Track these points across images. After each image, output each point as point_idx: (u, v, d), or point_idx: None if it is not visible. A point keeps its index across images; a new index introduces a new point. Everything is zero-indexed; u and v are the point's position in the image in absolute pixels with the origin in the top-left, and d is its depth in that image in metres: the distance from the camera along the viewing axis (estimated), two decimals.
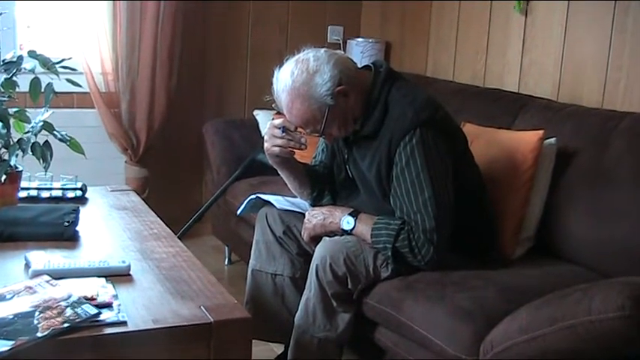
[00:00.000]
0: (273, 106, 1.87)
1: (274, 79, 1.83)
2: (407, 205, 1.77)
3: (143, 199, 2.30)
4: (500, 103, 2.47)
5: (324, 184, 2.07)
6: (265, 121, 3.00)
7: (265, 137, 1.91)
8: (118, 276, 1.57)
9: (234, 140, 3.08)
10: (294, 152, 1.92)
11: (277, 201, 2.09)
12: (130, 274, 1.60)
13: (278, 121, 1.87)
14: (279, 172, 2.05)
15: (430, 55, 3.21)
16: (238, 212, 2.19)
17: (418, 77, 2.98)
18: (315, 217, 1.93)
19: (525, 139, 2.09)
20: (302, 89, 1.77)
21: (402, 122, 1.77)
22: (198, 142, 3.29)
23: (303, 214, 1.99)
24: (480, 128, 2.26)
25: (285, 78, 1.80)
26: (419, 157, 1.75)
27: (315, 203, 2.07)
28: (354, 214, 1.87)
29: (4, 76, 1.96)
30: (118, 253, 1.73)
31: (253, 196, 2.14)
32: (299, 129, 1.86)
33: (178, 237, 1.99)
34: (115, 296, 1.46)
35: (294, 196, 2.14)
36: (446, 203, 1.77)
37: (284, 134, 1.86)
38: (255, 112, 3.19)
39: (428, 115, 1.78)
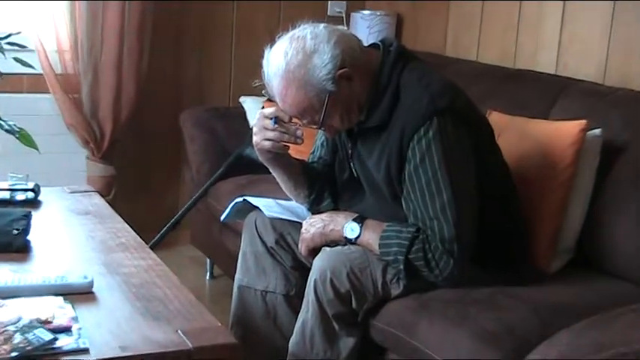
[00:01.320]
0: (263, 92, 1.88)
1: (264, 61, 1.84)
2: (422, 210, 1.78)
3: (108, 202, 2.31)
4: (534, 87, 2.48)
5: (323, 185, 2.08)
6: (254, 109, 3.02)
7: (254, 129, 1.92)
8: (79, 294, 1.58)
9: (217, 132, 3.09)
10: (288, 147, 1.93)
11: (268, 206, 2.10)
12: (92, 292, 1.60)
13: (269, 111, 1.88)
14: (271, 171, 2.05)
15: (450, 31, 3.22)
16: (222, 218, 2.20)
17: (435, 57, 2.99)
18: (314, 225, 1.94)
19: (564, 131, 2.10)
20: (297, 73, 1.78)
21: (416, 111, 1.77)
22: (174, 134, 3.30)
23: (300, 222, 2.00)
24: (509, 118, 2.27)
25: (277, 59, 1.81)
26: (436, 153, 1.76)
27: (313, 207, 2.08)
28: (360, 221, 1.88)
29: None
30: (79, 266, 1.74)
31: (240, 199, 2.15)
32: (294, 119, 1.87)
33: (151, 247, 1.99)
34: (75, 319, 1.46)
35: (289, 199, 2.14)
36: (468, 207, 1.78)
37: (276, 126, 1.87)
38: (242, 99, 3.20)
39: (447, 102, 1.79)
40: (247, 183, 2.83)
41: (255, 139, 1.93)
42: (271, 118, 1.87)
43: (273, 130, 1.88)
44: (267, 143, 1.90)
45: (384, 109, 1.83)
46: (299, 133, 1.87)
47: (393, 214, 1.87)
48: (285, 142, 1.90)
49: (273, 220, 2.06)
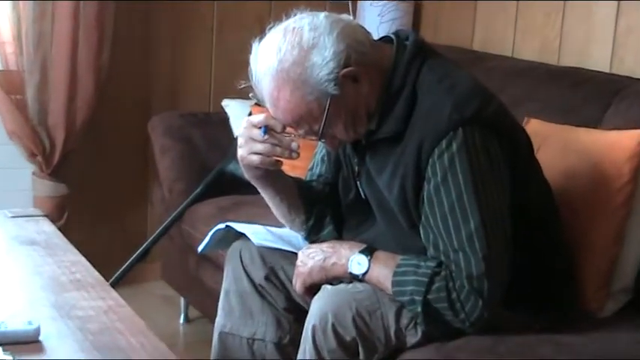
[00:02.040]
0: (250, 95, 1.89)
1: (252, 57, 1.86)
2: (444, 240, 1.79)
3: (59, 229, 2.32)
4: (583, 88, 2.50)
5: (324, 209, 2.09)
6: (240, 116, 3.03)
7: (239, 140, 1.94)
8: (23, 344, 1.58)
9: (195, 143, 3.11)
10: (281, 162, 1.95)
11: (256, 233, 2.11)
12: (39, 341, 1.61)
13: (258, 118, 1.90)
14: (260, 191, 2.07)
15: (479, 21, 3.24)
16: (200, 249, 2.21)
17: (460, 52, 3.01)
18: (312, 257, 1.95)
19: (620, 142, 2.11)
20: (292, 72, 1.80)
21: (437, 119, 1.79)
22: (141, 145, 3.32)
23: (294, 253, 2.02)
24: (551, 126, 2.29)
25: (268, 56, 1.82)
26: (461, 170, 1.77)
27: (312, 236, 2.09)
28: (368, 252, 1.89)
29: None
30: (23, 309, 1.74)
31: (222, 226, 2.16)
32: (288, 129, 1.89)
33: (111, 284, 2.00)
34: None
35: (282, 226, 2.16)
36: (500, 237, 1.79)
37: (266, 136, 1.88)
38: (225, 103, 3.22)
39: (474, 108, 1.80)
40: (231, 205, 2.84)
41: (240, 152, 1.94)
42: (260, 127, 1.89)
43: (262, 141, 1.89)
44: (256, 158, 1.92)
45: (397, 116, 1.84)
46: (294, 145, 1.88)
47: (410, 244, 1.88)
48: (277, 156, 1.91)
49: (262, 250, 2.07)
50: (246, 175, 2.01)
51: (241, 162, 1.96)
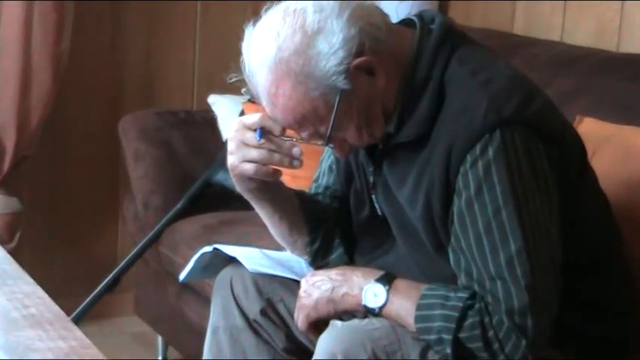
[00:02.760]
0: (243, 90, 1.90)
1: (245, 45, 1.87)
2: (479, 266, 1.79)
3: (10, 253, 2.32)
4: None
5: (332, 228, 2.11)
6: (229, 115, 3.05)
7: (230, 145, 1.95)
8: None
9: (175, 147, 3.14)
10: (280, 172, 1.96)
11: (250, 257, 2.12)
12: None
13: (252, 119, 1.91)
14: (254, 207, 2.08)
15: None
16: (182, 277, 2.22)
17: (499, 37, 3.02)
18: (318, 286, 1.96)
19: None
20: (294, 62, 1.81)
21: (470, 120, 1.79)
22: (110, 150, 3.33)
23: (297, 282, 2.02)
24: (608, 127, 2.29)
25: (264, 43, 1.83)
26: (499, 181, 1.78)
27: (318, 261, 2.10)
28: (386, 281, 1.90)
29: None
30: None
31: (208, 249, 2.16)
32: (288, 131, 1.90)
33: (74, 320, 2.01)
34: None
35: (281, 249, 2.17)
36: (547, 262, 1.80)
37: (262, 141, 1.89)
38: (212, 100, 3.24)
39: (516, 106, 1.81)
40: (219, 224, 2.86)
41: (231, 159, 1.95)
42: (255, 130, 1.90)
43: (257, 146, 1.90)
44: (249, 166, 1.92)
45: (421, 116, 1.85)
46: (296, 151, 1.89)
47: (437, 271, 1.89)
48: (275, 164, 1.92)
49: (257, 278, 2.08)
50: (238, 188, 2.02)
51: (232, 172, 1.97)
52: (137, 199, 3.11)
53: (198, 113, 3.30)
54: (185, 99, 3.50)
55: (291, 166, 1.91)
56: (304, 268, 2.12)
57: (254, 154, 1.92)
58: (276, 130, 1.89)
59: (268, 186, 2.02)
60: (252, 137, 1.91)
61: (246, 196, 2.05)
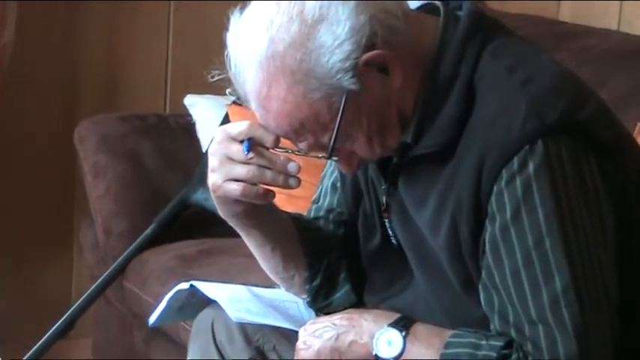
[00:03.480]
0: (228, 92, 1.91)
1: (231, 36, 1.86)
2: (516, 307, 1.79)
3: None
4: None
5: (336, 261, 2.12)
6: (211, 120, 3.05)
7: (211, 160, 1.93)
8: None
9: (143, 160, 3.15)
10: (272, 194, 1.95)
11: (234, 301, 2.11)
12: None
13: (238, 127, 1.89)
14: (241, 235, 2.08)
15: None
16: (152, 319, 2.21)
17: (541, 26, 3.03)
18: (320, 334, 1.95)
19: None
20: (290, 58, 1.79)
21: (507, 128, 1.79)
22: (63, 163, 3.33)
23: (294, 331, 2.01)
24: None
25: (254, 34, 1.82)
26: (541, 203, 1.77)
27: (319, 302, 2.11)
28: (403, 326, 1.89)
29: None
30: None
31: (184, 286, 2.16)
32: (283, 142, 1.89)
33: None
34: None
35: (273, 285, 2.17)
36: (600, 302, 1.78)
37: (251, 155, 1.89)
38: (190, 101, 3.24)
39: (562, 111, 1.80)
40: (197, 254, 2.86)
41: (212, 178, 1.94)
42: (242, 141, 1.90)
43: (245, 162, 1.89)
44: (235, 186, 1.91)
45: (446, 123, 1.85)
46: (292, 167, 1.88)
47: (464, 312, 1.90)
48: (267, 183, 1.91)
49: (244, 325, 2.08)
50: (221, 212, 2.02)
51: (213, 192, 1.96)
52: (97, 223, 3.12)
53: (172, 118, 3.31)
54: (156, 100, 3.51)
55: (286, 185, 1.90)
56: (302, 310, 2.12)
57: (241, 171, 1.90)
58: (268, 140, 1.88)
59: (258, 210, 2.01)
60: (239, 150, 1.89)
61: (231, 222, 2.04)
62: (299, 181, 1.90)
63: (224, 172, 1.92)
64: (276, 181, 1.90)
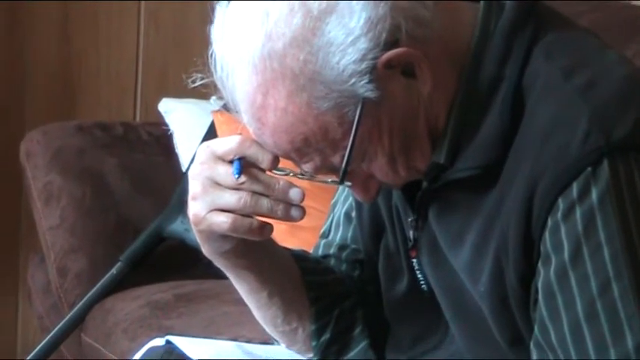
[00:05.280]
0: (213, 99, 1.91)
1: (217, 32, 1.87)
2: None
3: None
4: None
5: (350, 310, 2.13)
6: (191, 129, 3.06)
7: (193, 186, 1.93)
8: None
9: (108, 181, 3.17)
10: (270, 228, 1.94)
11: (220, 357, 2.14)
12: None
13: (226, 144, 1.90)
14: (231, 278, 2.09)
15: None
16: None
17: (611, 10, 3.03)
18: None
19: None
20: (292, 58, 1.79)
21: (563, 145, 1.78)
22: (6, 185, 3.35)
23: None
24: None
25: (246, 29, 1.83)
26: (607, 239, 1.76)
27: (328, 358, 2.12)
28: None
29: None
30: None
31: (159, 342, 2.18)
32: (283, 162, 1.89)
33: None
34: None
35: (270, 341, 2.19)
36: None
37: (242, 179, 1.88)
38: (165, 107, 3.24)
39: (634, 124, 1.79)
40: (175, 300, 2.86)
41: (195, 208, 1.93)
42: (232, 162, 1.91)
43: (235, 187, 1.90)
44: (223, 219, 1.90)
45: (488, 139, 1.85)
46: (294, 194, 1.88)
47: None
48: (263, 215, 1.91)
49: None
50: (204, 250, 2.01)
51: (196, 226, 1.95)
52: (49, 260, 3.12)
53: (144, 127, 3.32)
54: (123, 105, 3.52)
55: (287, 217, 1.89)
56: None
57: (230, 199, 1.89)
58: (264, 161, 1.88)
59: (251, 247, 2.01)
60: (227, 173, 1.89)
61: (218, 262, 2.04)
62: (303, 211, 1.89)
63: (209, 201, 1.91)
64: (275, 212, 1.89)
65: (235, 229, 1.92)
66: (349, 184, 1.93)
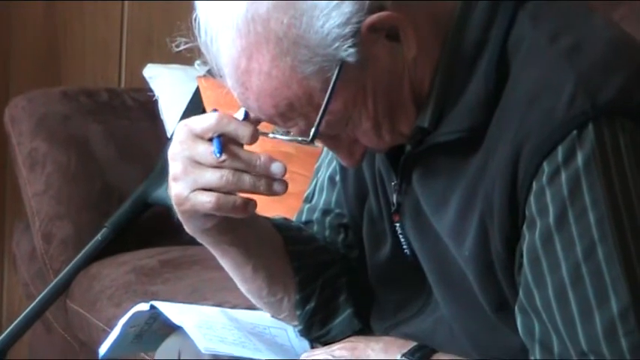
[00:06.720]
0: (197, 63, 1.90)
1: None
2: (561, 334, 1.79)
3: None
4: None
5: (334, 277, 2.13)
6: (176, 95, 3.06)
7: (174, 165, 1.93)
8: None
9: (93, 147, 3.18)
10: (253, 204, 1.94)
11: (205, 328, 2.12)
12: None
13: (205, 122, 1.89)
14: (215, 253, 2.09)
15: None
16: (103, 351, 2.23)
17: None
18: None
19: None
20: (275, 22, 1.78)
21: (548, 108, 1.78)
22: None
23: None
24: None
25: None
26: (592, 203, 1.76)
27: (314, 330, 2.13)
28: (419, 357, 1.93)
29: None
30: None
31: (144, 307, 2.16)
32: (263, 125, 1.90)
33: None
34: None
35: (255, 307, 2.19)
36: None
37: (223, 157, 1.87)
38: (150, 73, 3.24)
39: (620, 87, 1.79)
40: (160, 266, 2.88)
41: (176, 188, 1.93)
42: (211, 139, 1.90)
43: (216, 166, 1.89)
44: (205, 198, 1.90)
45: (473, 102, 1.85)
46: (276, 168, 1.88)
47: (496, 340, 1.91)
48: (245, 191, 1.91)
49: (217, 358, 2.09)
50: (187, 228, 2.01)
51: (178, 207, 1.95)
52: (34, 227, 3.12)
53: (129, 93, 3.31)
54: (108, 71, 3.52)
55: (269, 191, 1.89)
56: (293, 339, 2.14)
57: (212, 177, 1.89)
58: (244, 136, 1.88)
59: (234, 222, 2.01)
60: (207, 151, 1.89)
61: (201, 239, 2.05)
62: (286, 185, 1.89)
63: (190, 181, 1.91)
64: (257, 188, 1.90)
65: (219, 207, 1.92)
66: (318, 145, 1.96)
